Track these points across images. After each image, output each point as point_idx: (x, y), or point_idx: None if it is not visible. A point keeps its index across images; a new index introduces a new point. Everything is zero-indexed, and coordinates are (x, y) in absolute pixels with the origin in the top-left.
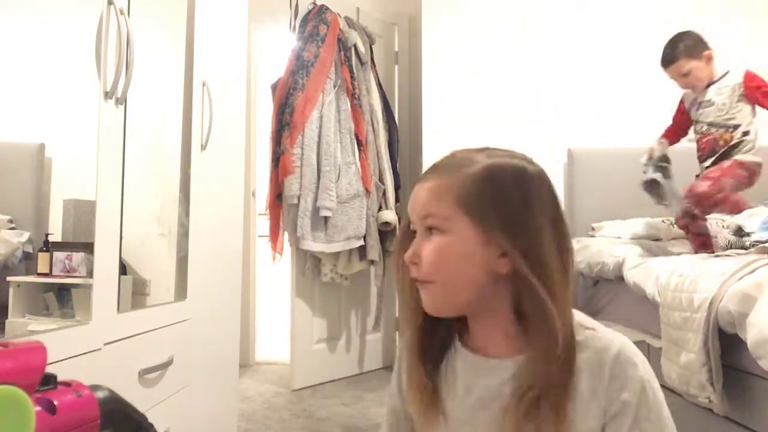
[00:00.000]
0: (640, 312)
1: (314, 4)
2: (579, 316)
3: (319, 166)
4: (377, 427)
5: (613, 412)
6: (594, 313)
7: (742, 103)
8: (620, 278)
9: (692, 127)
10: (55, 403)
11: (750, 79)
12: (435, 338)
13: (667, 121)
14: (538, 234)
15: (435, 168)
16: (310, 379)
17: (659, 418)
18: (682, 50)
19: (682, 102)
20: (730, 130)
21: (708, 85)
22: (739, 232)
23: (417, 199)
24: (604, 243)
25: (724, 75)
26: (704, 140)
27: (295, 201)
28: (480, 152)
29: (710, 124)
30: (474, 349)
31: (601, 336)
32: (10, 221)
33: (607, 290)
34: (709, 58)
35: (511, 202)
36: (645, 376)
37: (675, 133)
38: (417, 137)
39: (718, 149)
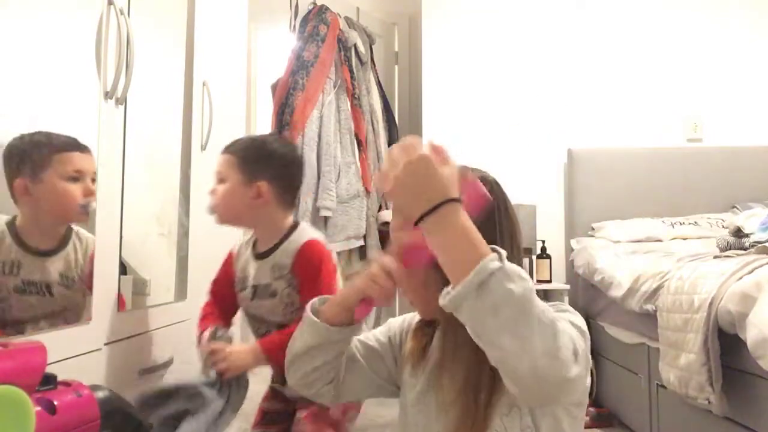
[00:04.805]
0: (640, 315)
1: (314, 4)
2: None
3: (319, 166)
4: (377, 427)
5: None
6: (594, 316)
7: None
8: None
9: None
10: (55, 403)
11: None
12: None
13: (667, 121)
14: None
15: None
16: None
17: None
18: None
19: None
20: None
21: None
22: (739, 233)
23: None
24: (599, 247)
25: None
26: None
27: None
28: None
29: None
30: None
31: None
32: None
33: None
34: None
35: None
36: None
37: None
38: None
39: None
